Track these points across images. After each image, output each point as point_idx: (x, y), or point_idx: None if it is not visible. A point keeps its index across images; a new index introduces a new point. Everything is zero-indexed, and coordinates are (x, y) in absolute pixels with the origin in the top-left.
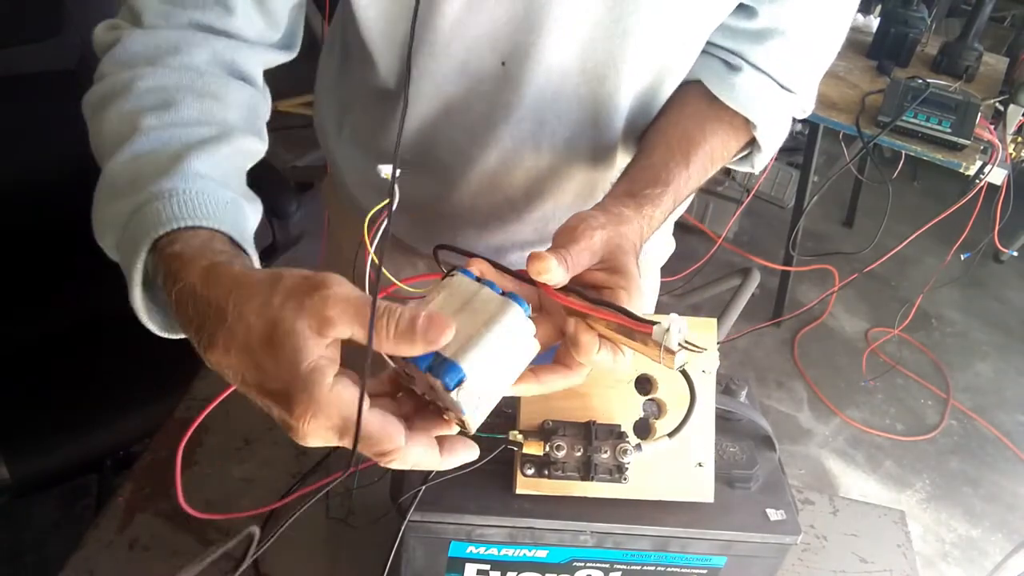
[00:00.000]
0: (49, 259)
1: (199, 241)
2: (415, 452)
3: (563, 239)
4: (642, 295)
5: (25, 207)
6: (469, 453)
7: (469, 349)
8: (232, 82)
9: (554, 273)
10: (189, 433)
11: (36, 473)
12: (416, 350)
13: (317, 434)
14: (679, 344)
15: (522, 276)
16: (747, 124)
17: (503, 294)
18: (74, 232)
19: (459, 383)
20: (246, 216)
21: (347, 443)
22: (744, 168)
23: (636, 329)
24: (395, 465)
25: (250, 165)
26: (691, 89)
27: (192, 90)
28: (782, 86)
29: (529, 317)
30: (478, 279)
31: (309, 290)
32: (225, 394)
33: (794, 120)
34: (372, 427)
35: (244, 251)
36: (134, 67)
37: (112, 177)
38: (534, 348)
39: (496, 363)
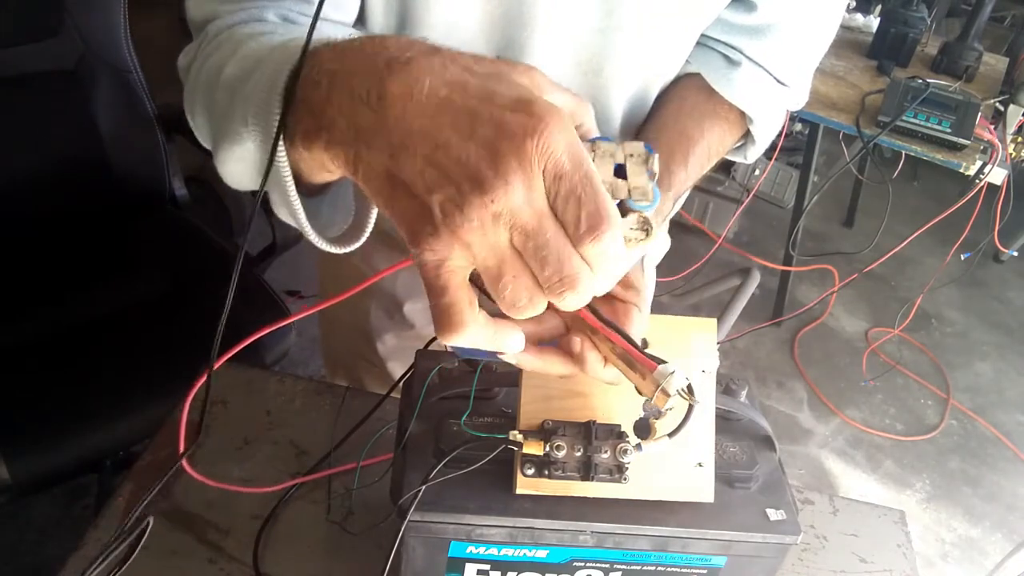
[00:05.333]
0: (49, 259)
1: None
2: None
3: None
4: (648, 309)
5: (25, 207)
6: None
7: None
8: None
9: None
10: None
11: (36, 473)
12: None
13: (560, 145)
14: (677, 391)
15: None
16: (743, 118)
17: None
18: (74, 232)
19: None
20: None
21: (576, 184)
22: (736, 158)
23: (639, 362)
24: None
25: None
26: (690, 83)
27: (291, 32)
28: (778, 80)
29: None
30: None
31: (516, 61)
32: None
33: (794, 119)
34: (601, 184)
35: None
36: (226, 30)
37: (228, 81)
38: None
39: None
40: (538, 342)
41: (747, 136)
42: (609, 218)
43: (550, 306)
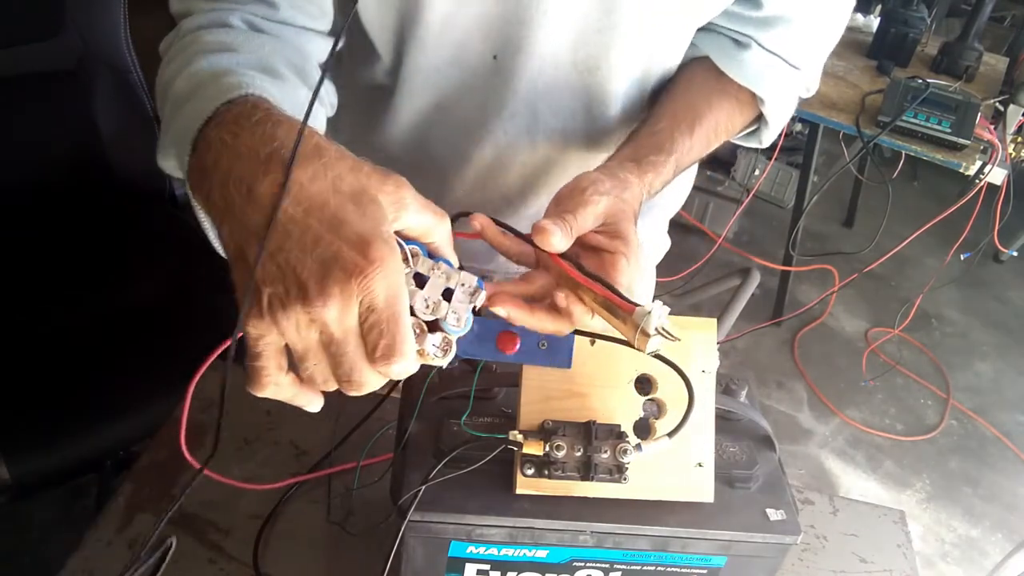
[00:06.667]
0: (49, 260)
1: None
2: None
3: (571, 202)
4: (639, 260)
5: (25, 208)
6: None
7: None
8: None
9: (558, 244)
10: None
11: (36, 473)
12: None
13: (380, 286)
14: (655, 329)
15: (525, 238)
16: (754, 99)
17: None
18: (74, 233)
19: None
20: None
21: (382, 320)
22: (752, 144)
23: (619, 306)
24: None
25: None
26: (699, 64)
27: (249, 43)
28: (789, 63)
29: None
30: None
31: (388, 173)
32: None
33: (794, 120)
34: (406, 324)
35: None
36: (193, 32)
37: (174, 97)
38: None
39: None
40: (530, 300)
41: (760, 119)
42: (401, 352)
43: (539, 264)
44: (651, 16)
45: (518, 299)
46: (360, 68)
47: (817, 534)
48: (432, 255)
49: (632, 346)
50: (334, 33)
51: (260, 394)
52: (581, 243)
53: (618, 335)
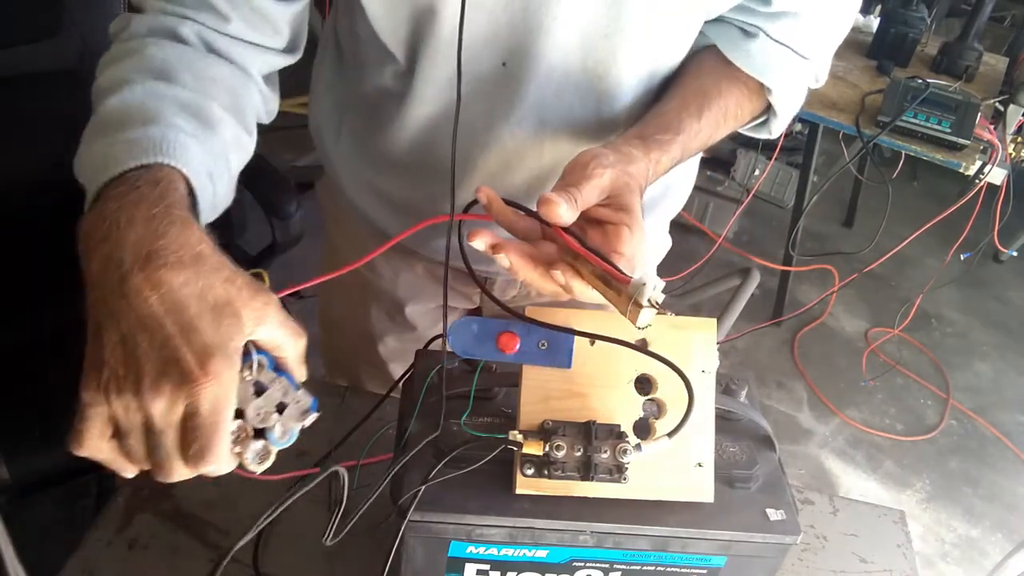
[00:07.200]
0: (48, 259)
1: (182, 188)
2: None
3: (575, 176)
4: (643, 232)
5: (23, 208)
6: None
7: None
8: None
9: (564, 214)
10: None
11: (36, 473)
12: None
13: (208, 398)
14: (648, 300)
15: (531, 212)
16: (762, 88)
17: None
18: (73, 232)
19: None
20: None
21: (201, 426)
22: (761, 135)
23: (614, 278)
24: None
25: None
26: (710, 51)
27: (192, 68)
28: (798, 53)
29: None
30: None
31: (260, 290)
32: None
33: (794, 119)
34: (223, 434)
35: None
36: (142, 37)
37: (103, 115)
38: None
39: None
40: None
41: (769, 109)
42: (212, 458)
43: (545, 235)
44: (657, 17)
45: (523, 252)
46: (367, 76)
47: (817, 534)
48: (279, 368)
49: (632, 348)
50: (289, 50)
51: (78, 452)
52: (587, 217)
53: (617, 334)
